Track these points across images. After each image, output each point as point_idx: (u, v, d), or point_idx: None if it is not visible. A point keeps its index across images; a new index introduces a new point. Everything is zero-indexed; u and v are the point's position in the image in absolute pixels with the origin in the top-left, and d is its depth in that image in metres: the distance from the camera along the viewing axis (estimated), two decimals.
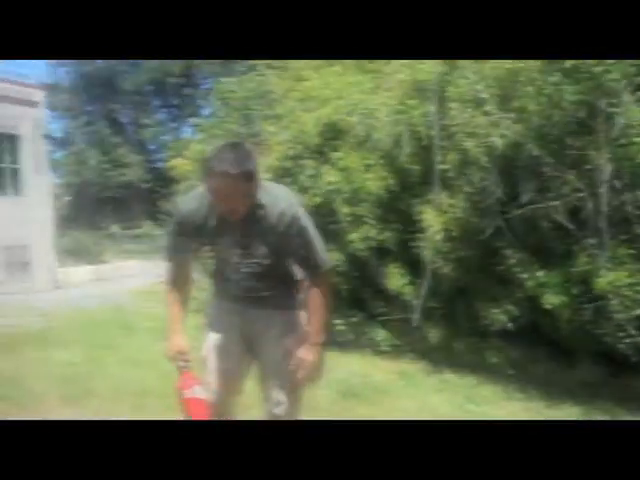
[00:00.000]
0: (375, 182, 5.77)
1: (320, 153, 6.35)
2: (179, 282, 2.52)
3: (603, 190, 4.19)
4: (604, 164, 4.20)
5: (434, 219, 5.14)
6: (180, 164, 10.58)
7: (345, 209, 5.92)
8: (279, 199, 2.27)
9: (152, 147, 34.79)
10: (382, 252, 5.85)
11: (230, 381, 2.55)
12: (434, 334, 5.47)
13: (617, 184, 4.19)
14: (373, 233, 5.77)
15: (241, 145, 2.23)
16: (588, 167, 4.34)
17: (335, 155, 6.14)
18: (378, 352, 5.96)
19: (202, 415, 2.40)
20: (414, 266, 5.51)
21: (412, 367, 5.56)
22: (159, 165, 31.35)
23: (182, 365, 2.47)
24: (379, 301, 6.04)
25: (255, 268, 2.37)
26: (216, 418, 2.48)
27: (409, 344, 5.72)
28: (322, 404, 4.18)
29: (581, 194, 4.36)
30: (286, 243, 2.29)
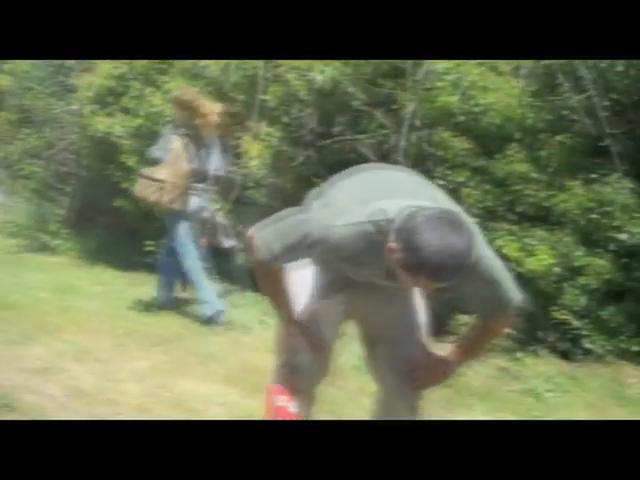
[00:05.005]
0: None
1: (146, 75, 6.25)
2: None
3: (404, 128, 4.55)
4: (408, 104, 4.56)
5: (250, 146, 5.27)
6: None
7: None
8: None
9: None
10: None
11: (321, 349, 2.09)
12: None
13: (417, 123, 4.57)
14: None
15: (463, 229, 1.63)
16: (395, 107, 4.70)
17: (161, 78, 6.07)
18: None
19: None
20: None
21: None
22: None
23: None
24: None
25: None
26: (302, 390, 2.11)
27: None
28: None
29: (386, 130, 4.71)
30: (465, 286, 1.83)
